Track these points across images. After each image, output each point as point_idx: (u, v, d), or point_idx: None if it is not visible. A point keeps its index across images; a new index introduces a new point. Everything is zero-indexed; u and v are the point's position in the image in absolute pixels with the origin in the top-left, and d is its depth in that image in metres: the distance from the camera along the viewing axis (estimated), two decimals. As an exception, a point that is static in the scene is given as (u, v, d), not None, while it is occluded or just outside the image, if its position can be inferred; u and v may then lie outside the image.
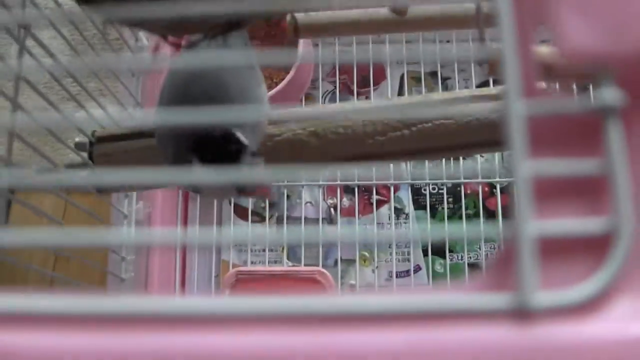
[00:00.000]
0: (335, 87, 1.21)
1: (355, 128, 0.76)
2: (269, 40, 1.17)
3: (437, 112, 0.74)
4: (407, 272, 1.13)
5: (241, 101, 0.64)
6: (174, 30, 0.54)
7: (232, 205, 1.15)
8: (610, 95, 0.27)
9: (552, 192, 0.28)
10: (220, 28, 0.54)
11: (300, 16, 0.84)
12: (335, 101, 1.20)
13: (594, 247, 0.27)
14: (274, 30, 1.16)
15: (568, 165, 0.27)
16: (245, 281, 1.05)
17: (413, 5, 0.82)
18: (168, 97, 0.66)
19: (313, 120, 0.77)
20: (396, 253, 1.13)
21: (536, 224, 0.26)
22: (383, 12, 0.89)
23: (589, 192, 0.28)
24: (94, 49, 0.85)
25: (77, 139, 0.78)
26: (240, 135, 0.59)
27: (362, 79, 1.21)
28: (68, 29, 1.02)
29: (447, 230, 1.08)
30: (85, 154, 0.78)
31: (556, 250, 0.27)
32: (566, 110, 0.27)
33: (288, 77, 1.11)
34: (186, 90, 0.65)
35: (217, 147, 0.58)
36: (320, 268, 1.08)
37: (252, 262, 1.13)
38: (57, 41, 0.74)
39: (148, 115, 0.72)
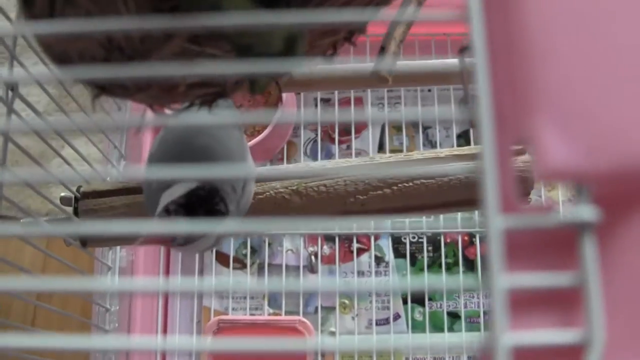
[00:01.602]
0: (317, 135, 1.22)
1: (337, 187, 0.77)
2: (255, 105, 1.18)
3: (420, 171, 0.75)
4: (387, 319, 1.14)
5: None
6: (161, 99, 0.55)
7: (214, 252, 1.16)
8: (586, 211, 0.28)
9: (527, 302, 0.29)
10: (208, 96, 0.55)
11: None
12: (316, 149, 1.21)
13: (568, 356, 0.28)
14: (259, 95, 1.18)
15: (543, 278, 0.28)
16: (227, 329, 1.06)
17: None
18: (157, 157, 0.68)
19: (295, 179, 0.78)
20: (376, 301, 1.14)
21: (511, 336, 0.27)
22: (365, 68, 0.90)
23: (562, 302, 0.29)
24: (78, 105, 0.85)
25: (62, 194, 0.78)
26: (224, 194, 0.61)
27: (343, 128, 1.22)
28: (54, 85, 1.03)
29: (427, 280, 1.10)
30: (69, 208, 0.79)
31: (531, 358, 0.28)
32: (544, 225, 0.28)
33: (270, 126, 1.12)
34: (175, 153, 0.66)
35: (203, 204, 0.60)
36: (300, 317, 1.08)
37: (233, 309, 1.14)
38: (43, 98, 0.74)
39: (136, 170, 0.73)
